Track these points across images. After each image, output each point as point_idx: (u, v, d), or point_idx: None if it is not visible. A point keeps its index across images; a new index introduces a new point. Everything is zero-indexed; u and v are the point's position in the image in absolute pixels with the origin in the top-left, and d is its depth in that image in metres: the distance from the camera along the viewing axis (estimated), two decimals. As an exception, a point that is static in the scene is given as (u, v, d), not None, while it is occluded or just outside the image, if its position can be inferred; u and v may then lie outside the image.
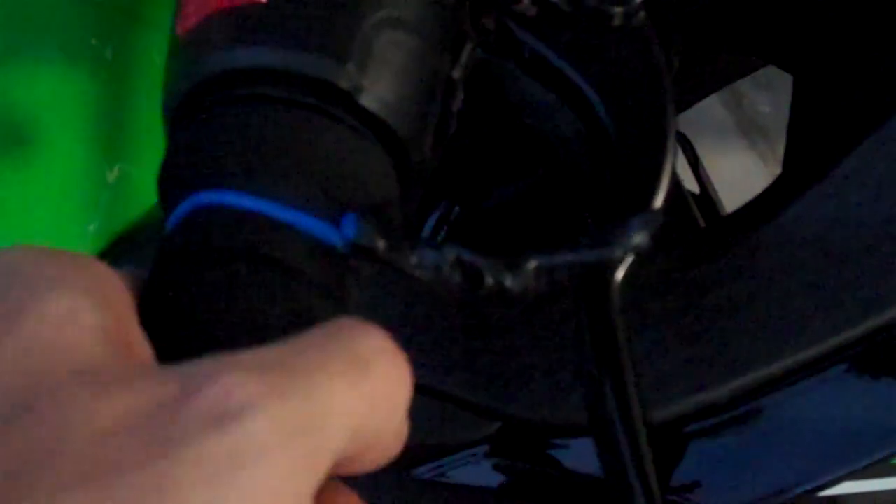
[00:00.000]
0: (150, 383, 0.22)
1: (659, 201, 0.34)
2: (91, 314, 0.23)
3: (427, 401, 0.46)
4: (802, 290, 0.45)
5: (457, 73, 0.38)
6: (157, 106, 0.56)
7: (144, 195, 0.53)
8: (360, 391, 0.23)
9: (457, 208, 0.64)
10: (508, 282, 0.32)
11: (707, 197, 0.85)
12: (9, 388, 0.21)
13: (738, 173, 1.74)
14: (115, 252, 0.51)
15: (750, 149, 1.78)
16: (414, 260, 0.32)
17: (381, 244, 0.31)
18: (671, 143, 0.36)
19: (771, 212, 0.47)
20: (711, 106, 1.72)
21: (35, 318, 0.22)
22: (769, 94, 1.78)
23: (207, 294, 0.29)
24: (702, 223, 0.67)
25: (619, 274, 0.34)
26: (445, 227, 0.64)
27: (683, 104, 0.84)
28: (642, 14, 0.38)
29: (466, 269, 0.32)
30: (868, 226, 0.46)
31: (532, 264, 0.32)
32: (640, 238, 0.33)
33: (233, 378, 0.21)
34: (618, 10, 0.38)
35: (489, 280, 0.32)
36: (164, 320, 0.29)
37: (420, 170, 0.36)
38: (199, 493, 0.20)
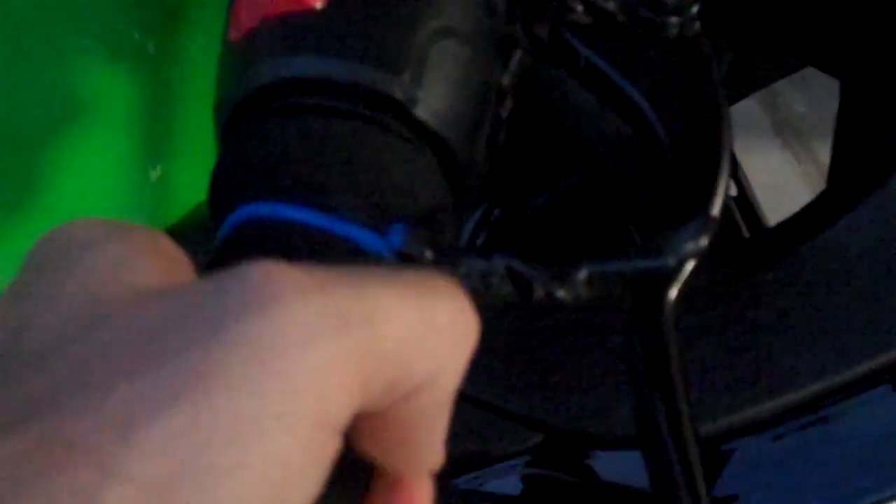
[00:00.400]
0: (197, 284, 0.22)
1: (715, 211, 0.34)
2: (146, 258, 0.23)
3: (469, 409, 0.46)
4: (850, 306, 0.45)
5: (506, 80, 0.38)
6: (199, 105, 0.56)
7: (186, 194, 0.53)
8: (417, 309, 0.23)
9: (497, 211, 0.64)
10: (560, 292, 0.32)
11: (746, 200, 0.84)
12: (73, 309, 0.22)
13: (772, 172, 1.73)
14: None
15: (784, 148, 1.77)
16: (462, 269, 0.31)
17: (427, 253, 0.31)
18: (726, 158, 0.36)
19: (818, 225, 0.47)
20: (746, 104, 1.71)
21: (92, 260, 0.23)
22: (804, 93, 1.77)
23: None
24: (745, 231, 0.66)
25: (675, 290, 0.34)
26: (486, 230, 0.64)
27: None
28: (697, 25, 0.38)
29: (517, 279, 0.32)
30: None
31: (583, 274, 0.32)
32: (693, 245, 0.33)
33: (278, 270, 0.21)
34: (673, 20, 0.37)
35: (539, 290, 0.32)
36: None
37: (472, 179, 0.36)
38: (243, 374, 0.19)
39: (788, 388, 0.44)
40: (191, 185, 0.54)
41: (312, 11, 0.32)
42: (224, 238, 0.31)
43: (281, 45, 0.32)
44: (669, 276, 0.34)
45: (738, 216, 0.67)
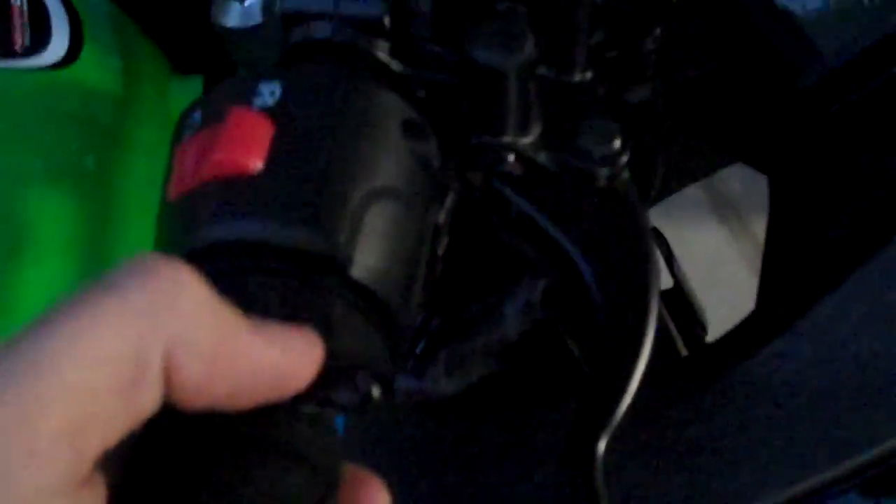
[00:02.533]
0: None
1: (636, 380, 0.35)
2: None
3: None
4: (780, 428, 0.46)
5: (441, 218, 0.39)
6: (140, 221, 0.56)
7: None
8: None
9: (435, 319, 0.65)
10: (422, 386, 0.33)
11: (681, 294, 0.86)
12: None
13: (709, 249, 1.75)
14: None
15: (721, 224, 1.80)
16: (339, 395, 0.32)
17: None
18: (654, 303, 0.37)
19: (746, 351, 0.48)
20: (683, 181, 1.74)
21: None
22: (740, 170, 1.80)
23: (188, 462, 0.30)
24: (682, 349, 0.68)
25: (604, 441, 0.35)
26: (424, 338, 0.65)
27: (662, 194, 0.85)
28: (626, 175, 0.39)
29: (384, 383, 0.32)
30: (846, 366, 0.46)
31: (439, 363, 0.33)
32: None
33: None
34: (602, 171, 0.38)
35: (400, 387, 0.32)
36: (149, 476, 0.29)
37: (407, 322, 0.36)
38: None
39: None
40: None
41: (250, 175, 0.33)
42: None
43: (218, 209, 0.33)
44: (599, 425, 0.35)
45: (671, 326, 0.68)
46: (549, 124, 0.39)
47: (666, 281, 0.89)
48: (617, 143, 0.38)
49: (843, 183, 0.55)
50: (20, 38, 0.53)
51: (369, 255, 0.33)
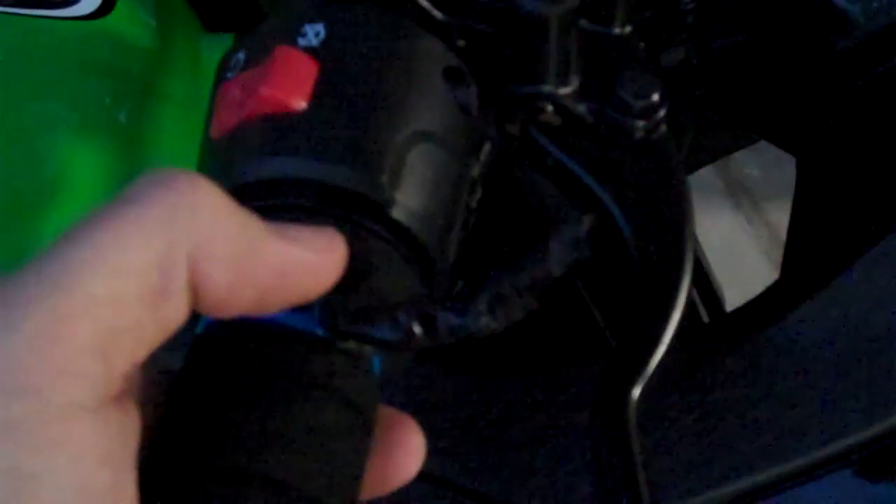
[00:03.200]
0: None
1: (672, 329, 0.35)
2: None
3: (426, 488, 0.46)
4: (805, 393, 0.46)
5: (476, 171, 0.39)
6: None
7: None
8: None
9: (460, 283, 0.65)
10: (463, 323, 0.33)
11: (701, 272, 0.86)
12: None
13: (725, 235, 1.75)
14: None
15: (736, 210, 1.80)
16: (378, 331, 0.32)
17: (341, 319, 0.31)
18: (690, 257, 0.37)
19: (775, 314, 0.48)
20: (699, 166, 1.74)
21: None
22: (756, 156, 1.80)
23: (235, 405, 0.30)
24: (704, 313, 0.68)
25: (638, 389, 0.35)
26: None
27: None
28: (664, 128, 0.39)
29: (425, 321, 0.32)
30: (870, 334, 0.46)
31: (482, 302, 0.33)
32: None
33: None
34: (640, 124, 0.38)
35: (443, 325, 0.33)
36: (189, 427, 0.30)
37: (443, 270, 0.37)
38: None
39: (746, 472, 0.45)
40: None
41: (294, 113, 0.33)
42: (199, 336, 0.32)
43: (262, 146, 0.33)
44: (634, 373, 0.35)
45: (696, 296, 0.69)
46: (588, 76, 0.39)
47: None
48: (656, 97, 0.38)
49: (870, 154, 0.55)
50: (56, -12, 0.54)
51: (410, 196, 0.34)
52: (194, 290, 0.26)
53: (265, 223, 0.28)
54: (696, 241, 0.80)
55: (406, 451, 0.33)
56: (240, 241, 0.27)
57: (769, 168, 1.78)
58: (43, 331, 0.23)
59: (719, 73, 0.57)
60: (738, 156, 1.80)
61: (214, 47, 0.62)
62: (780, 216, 1.71)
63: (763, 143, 0.70)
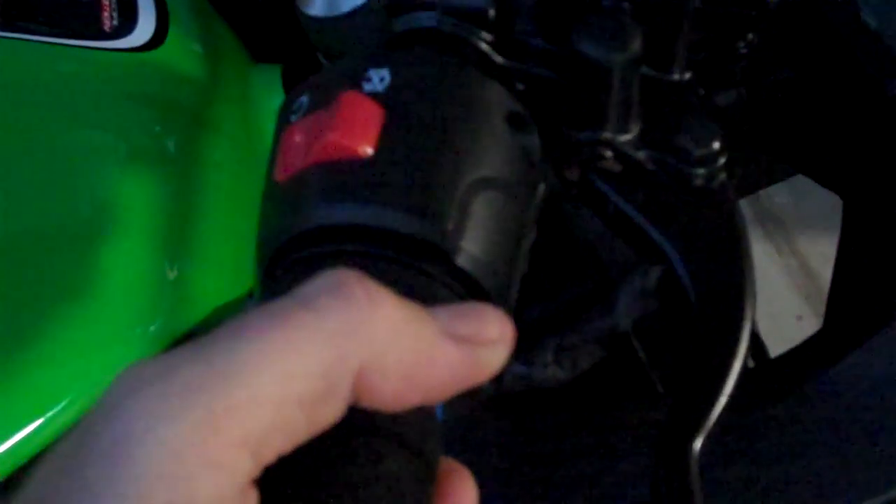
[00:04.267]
0: None
1: (732, 382, 0.35)
2: None
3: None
4: (856, 442, 0.46)
5: (532, 214, 0.39)
6: (219, 207, 0.57)
7: (204, 296, 0.54)
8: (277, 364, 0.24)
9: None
10: (530, 372, 0.33)
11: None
12: None
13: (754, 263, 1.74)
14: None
15: (765, 239, 1.79)
16: None
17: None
18: (750, 307, 0.37)
19: (820, 363, 0.48)
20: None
21: None
22: (786, 185, 1.79)
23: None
24: (750, 361, 0.67)
25: (700, 440, 0.34)
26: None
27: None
28: (723, 175, 0.39)
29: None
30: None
31: (549, 352, 0.33)
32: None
33: (127, 372, 0.24)
34: (700, 171, 0.38)
35: (508, 374, 0.32)
36: None
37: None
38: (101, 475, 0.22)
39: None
40: (209, 287, 0.54)
41: (361, 159, 0.33)
42: None
43: (328, 192, 0.33)
44: (695, 424, 0.35)
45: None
46: (648, 122, 0.39)
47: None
48: (716, 144, 0.38)
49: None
50: (109, 20, 0.54)
51: (475, 243, 0.34)
52: (359, 395, 0.26)
53: (435, 322, 0.28)
54: (755, 288, 0.80)
55: (458, 501, 0.33)
56: (412, 353, 0.27)
57: (799, 197, 1.78)
58: (200, 423, 0.23)
59: (767, 108, 0.57)
60: (769, 186, 1.79)
61: (263, 78, 0.62)
62: (810, 246, 1.71)
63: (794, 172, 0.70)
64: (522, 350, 0.32)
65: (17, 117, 0.52)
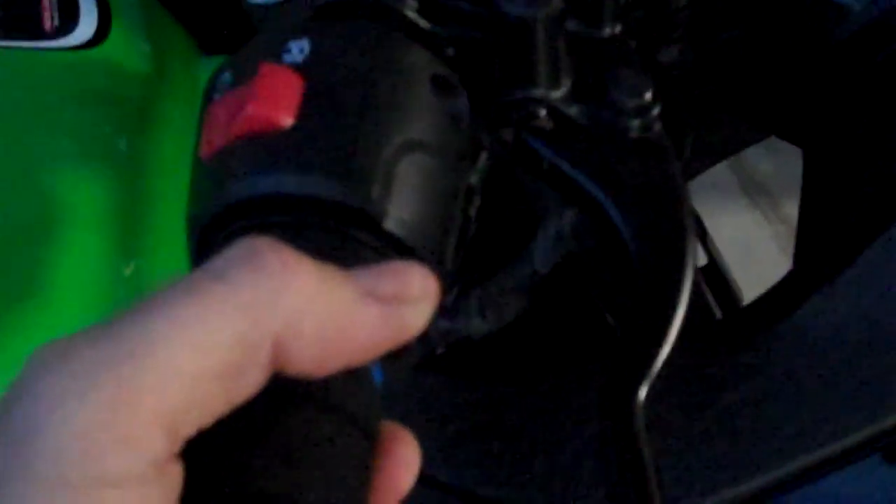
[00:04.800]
0: None
1: (675, 330, 0.35)
2: None
3: (440, 497, 0.46)
4: (819, 387, 0.46)
5: (474, 180, 0.39)
6: (172, 201, 0.56)
7: (160, 292, 0.53)
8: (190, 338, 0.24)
9: (455, 289, 0.65)
10: (450, 325, 0.32)
11: (716, 268, 0.85)
12: None
13: (741, 232, 1.74)
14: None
15: (752, 207, 1.79)
16: None
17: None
18: (690, 256, 0.36)
19: (785, 309, 0.47)
20: (713, 165, 1.73)
21: None
22: (770, 153, 1.79)
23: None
24: (716, 309, 0.67)
25: (644, 389, 0.34)
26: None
27: (690, 173, 0.84)
28: (658, 126, 0.39)
29: None
30: (880, 325, 0.46)
31: (474, 300, 0.33)
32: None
33: (44, 347, 0.24)
34: (634, 123, 0.38)
35: (434, 330, 0.32)
36: None
37: (442, 281, 0.36)
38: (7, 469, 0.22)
39: (760, 471, 0.45)
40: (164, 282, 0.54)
41: (282, 129, 0.33)
42: None
43: (251, 163, 0.33)
44: (639, 374, 0.35)
45: (709, 295, 0.68)
46: (579, 78, 0.39)
47: (700, 257, 0.88)
48: (648, 95, 0.38)
49: (874, 142, 0.54)
50: (49, 20, 0.54)
51: (403, 207, 0.33)
52: (277, 364, 0.26)
53: (353, 284, 0.27)
54: (698, 237, 0.79)
55: (399, 464, 0.33)
56: (331, 318, 0.26)
57: (783, 164, 1.78)
58: (109, 400, 0.23)
59: (718, 69, 0.57)
60: (752, 153, 1.79)
61: (212, 70, 0.62)
62: (797, 212, 1.70)
63: (776, 139, 0.70)
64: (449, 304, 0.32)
65: (-38, 122, 0.52)
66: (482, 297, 0.32)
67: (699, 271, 0.75)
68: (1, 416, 0.23)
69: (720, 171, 1.79)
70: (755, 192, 1.80)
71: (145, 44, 0.58)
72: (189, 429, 0.24)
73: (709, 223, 0.93)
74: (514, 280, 0.33)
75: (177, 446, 0.24)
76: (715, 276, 0.84)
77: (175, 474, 0.25)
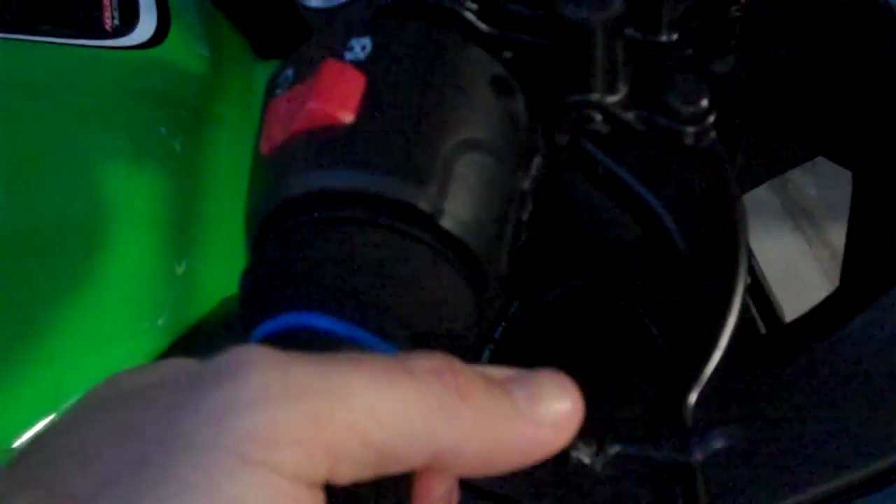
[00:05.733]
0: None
1: (727, 336, 0.35)
2: None
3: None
4: (865, 403, 0.45)
5: (527, 185, 0.39)
6: (225, 202, 0.57)
7: (212, 290, 0.54)
8: (384, 387, 0.26)
9: (515, 303, 0.65)
10: (590, 461, 0.33)
11: (759, 288, 0.85)
12: None
13: (784, 255, 1.73)
14: (184, 346, 0.52)
15: (795, 231, 1.78)
16: None
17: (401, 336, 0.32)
18: (743, 264, 0.36)
19: (832, 325, 0.47)
20: (757, 189, 1.71)
21: None
22: (815, 176, 1.78)
23: None
24: (761, 325, 0.67)
25: (695, 394, 0.34)
26: (504, 323, 0.65)
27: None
28: (713, 133, 0.39)
29: None
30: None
31: (615, 449, 0.33)
32: (719, 444, 0.34)
33: (252, 348, 0.25)
34: (689, 129, 0.38)
35: (574, 459, 0.33)
36: None
37: (495, 284, 0.37)
38: (198, 434, 0.23)
39: (805, 484, 0.44)
40: (216, 281, 0.55)
41: (342, 126, 0.33)
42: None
43: (311, 159, 0.33)
44: (690, 379, 0.35)
45: (753, 309, 0.68)
46: (636, 84, 0.39)
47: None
48: (705, 102, 0.38)
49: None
50: (110, 19, 0.55)
51: (459, 205, 0.34)
52: (432, 466, 0.27)
53: (517, 409, 0.28)
54: (749, 248, 0.79)
55: None
56: (491, 444, 0.27)
57: (827, 188, 1.77)
58: (308, 413, 0.24)
59: (773, 85, 0.56)
60: (796, 177, 1.78)
61: (267, 74, 0.63)
62: (841, 237, 1.69)
63: (821, 163, 0.70)
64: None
65: (22, 118, 0.53)
66: None
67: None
68: (194, 391, 0.25)
69: (764, 194, 1.79)
70: (798, 215, 1.78)
71: (202, 46, 0.59)
72: (345, 471, 0.26)
73: (752, 246, 0.93)
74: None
75: (323, 480, 0.25)
76: (758, 294, 0.83)
77: (318, 499, 0.26)
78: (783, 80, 0.55)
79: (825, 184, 1.78)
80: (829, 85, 0.56)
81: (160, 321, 0.51)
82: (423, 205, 0.33)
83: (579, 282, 0.64)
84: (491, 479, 0.45)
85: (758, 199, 1.77)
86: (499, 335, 0.64)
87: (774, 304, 0.82)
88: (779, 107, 0.58)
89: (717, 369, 0.35)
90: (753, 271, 0.87)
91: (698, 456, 0.33)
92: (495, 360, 0.63)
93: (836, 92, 0.56)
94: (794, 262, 1.74)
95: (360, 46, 0.35)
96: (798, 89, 0.56)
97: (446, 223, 0.33)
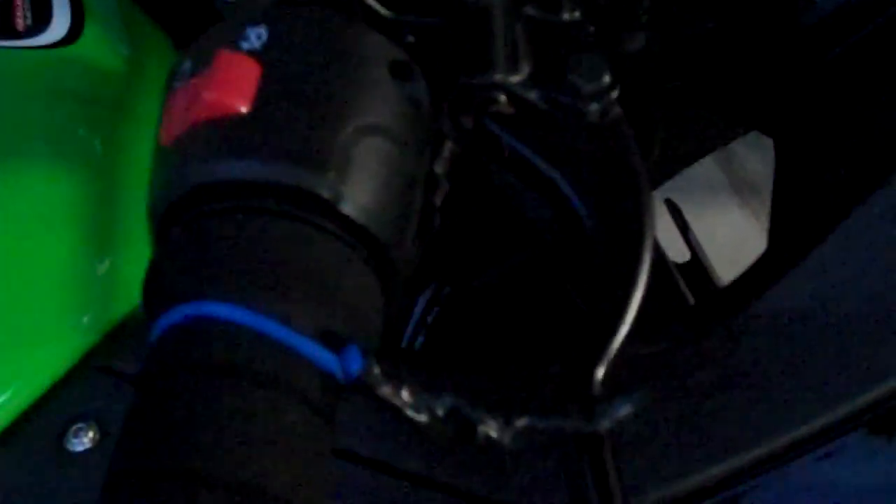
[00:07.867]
0: None
1: (632, 311, 0.35)
2: None
3: (392, 480, 0.46)
4: (791, 367, 0.46)
5: (439, 168, 0.39)
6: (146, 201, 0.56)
7: (134, 289, 0.53)
8: None
9: (447, 288, 0.65)
10: (498, 434, 0.33)
11: (698, 264, 0.86)
12: None
13: (732, 231, 1.74)
14: (109, 344, 0.51)
15: (742, 207, 1.79)
16: (409, 401, 0.32)
17: (381, 384, 0.32)
18: (649, 238, 0.37)
19: (756, 291, 0.48)
20: (702, 164, 1.72)
21: None
22: (760, 151, 1.79)
23: (203, 406, 0.30)
24: (690, 298, 0.68)
25: (602, 370, 0.35)
26: (436, 308, 0.65)
27: (676, 169, 0.85)
28: (617, 110, 0.39)
29: (460, 420, 0.33)
30: (854, 301, 0.46)
31: (522, 422, 0.33)
32: (625, 411, 0.34)
33: None
34: (594, 107, 0.38)
35: (481, 432, 0.33)
36: (151, 429, 0.30)
37: (403, 268, 0.37)
38: None
39: (731, 453, 0.45)
40: (139, 280, 0.54)
41: (239, 115, 0.33)
42: (159, 336, 0.32)
43: (209, 149, 0.33)
44: (597, 353, 0.35)
45: (682, 284, 0.68)
46: (538, 63, 0.39)
47: (683, 252, 0.89)
48: (606, 78, 0.38)
49: (842, 128, 0.55)
50: (21, 18, 0.54)
51: (360, 191, 0.34)
52: None
53: None
54: (686, 223, 0.79)
55: None
56: None
57: (772, 163, 1.78)
58: None
59: (686, 61, 0.57)
60: (742, 152, 1.79)
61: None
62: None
63: (766, 139, 0.70)
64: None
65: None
66: None
67: (679, 270, 0.75)
68: None
69: (710, 170, 1.79)
70: (745, 191, 1.79)
71: (120, 42, 0.58)
72: None
73: (699, 223, 0.93)
74: None
75: None
76: (698, 270, 0.84)
77: None
78: (698, 55, 0.56)
79: (770, 159, 1.79)
80: (744, 57, 0.57)
81: (84, 319, 0.51)
82: (323, 191, 0.33)
83: (511, 264, 0.65)
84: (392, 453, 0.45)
85: (704, 174, 1.78)
86: (431, 321, 0.64)
87: (713, 278, 0.83)
88: (696, 83, 0.59)
89: (627, 342, 0.36)
90: (691, 245, 0.88)
91: (605, 424, 0.33)
92: (428, 344, 0.63)
93: (752, 64, 0.57)
94: (743, 237, 1.74)
95: (256, 35, 0.35)
96: (713, 63, 0.57)
97: (347, 209, 0.33)
